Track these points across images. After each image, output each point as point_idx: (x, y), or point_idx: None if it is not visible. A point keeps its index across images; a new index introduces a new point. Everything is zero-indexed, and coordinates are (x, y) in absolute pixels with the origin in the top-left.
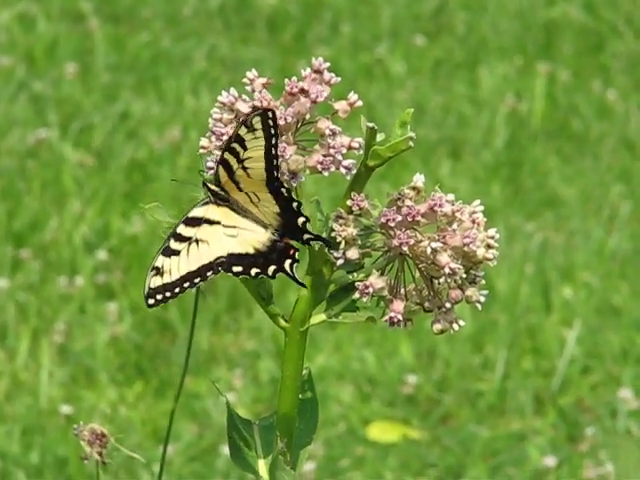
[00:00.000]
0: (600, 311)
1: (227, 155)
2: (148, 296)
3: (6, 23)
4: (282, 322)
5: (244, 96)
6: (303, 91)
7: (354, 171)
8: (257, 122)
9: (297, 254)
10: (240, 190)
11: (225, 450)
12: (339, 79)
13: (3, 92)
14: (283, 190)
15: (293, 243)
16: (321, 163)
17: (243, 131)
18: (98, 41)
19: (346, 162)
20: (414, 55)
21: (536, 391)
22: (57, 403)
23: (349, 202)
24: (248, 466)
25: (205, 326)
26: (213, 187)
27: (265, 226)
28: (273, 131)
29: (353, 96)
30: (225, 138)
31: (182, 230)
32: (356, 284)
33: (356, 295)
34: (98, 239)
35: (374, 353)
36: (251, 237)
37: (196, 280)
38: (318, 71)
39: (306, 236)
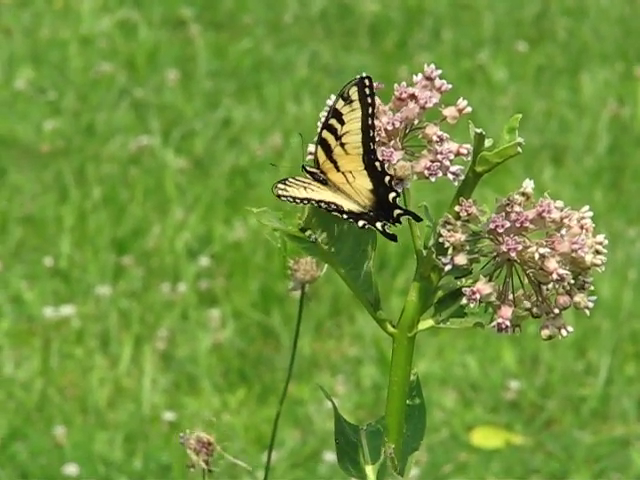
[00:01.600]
0: None
1: (325, 134)
2: (279, 196)
3: (107, 30)
4: (390, 328)
5: None
6: (412, 97)
7: (462, 177)
8: (354, 92)
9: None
10: (338, 170)
11: (328, 456)
12: (450, 86)
13: (105, 99)
14: (377, 164)
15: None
16: (428, 169)
17: (340, 104)
18: (199, 48)
19: (454, 168)
20: (516, 61)
21: (639, 397)
22: (160, 410)
23: (457, 208)
24: (355, 472)
25: (308, 332)
26: (312, 169)
27: (360, 205)
28: (370, 100)
29: (462, 102)
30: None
31: (292, 180)
32: (464, 290)
33: (464, 301)
34: (200, 246)
35: (477, 359)
36: (351, 205)
37: (320, 204)
38: (429, 78)
39: (396, 212)
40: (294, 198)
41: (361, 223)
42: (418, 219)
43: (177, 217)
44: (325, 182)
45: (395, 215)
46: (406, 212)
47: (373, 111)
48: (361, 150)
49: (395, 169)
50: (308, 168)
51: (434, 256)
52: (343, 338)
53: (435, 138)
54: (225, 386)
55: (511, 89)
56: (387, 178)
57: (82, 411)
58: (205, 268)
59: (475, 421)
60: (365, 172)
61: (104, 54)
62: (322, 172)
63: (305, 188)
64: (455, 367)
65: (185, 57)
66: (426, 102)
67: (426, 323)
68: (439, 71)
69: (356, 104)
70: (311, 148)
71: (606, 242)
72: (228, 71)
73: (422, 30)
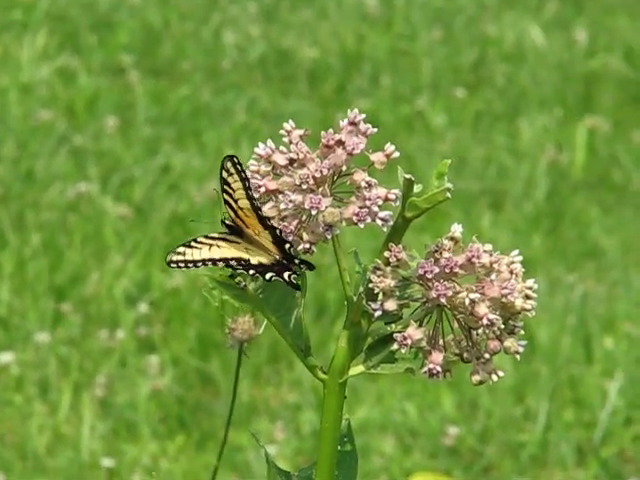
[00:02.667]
0: None
1: (225, 196)
2: (170, 263)
3: (47, 77)
4: (320, 374)
5: (282, 148)
6: (340, 143)
7: (391, 223)
8: (230, 166)
9: (296, 272)
10: (247, 226)
11: None
12: (375, 130)
13: (44, 146)
14: (269, 222)
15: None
16: (357, 215)
17: (225, 175)
18: (138, 94)
19: (382, 214)
20: (454, 107)
21: (578, 442)
22: (99, 456)
23: (386, 253)
24: None
25: (246, 378)
26: (229, 223)
27: (271, 257)
28: (243, 175)
29: (390, 147)
30: (262, 190)
31: (202, 239)
32: (395, 335)
33: (395, 346)
34: (139, 292)
35: (415, 404)
36: (263, 257)
37: (218, 263)
38: (353, 123)
39: (295, 260)
40: (188, 262)
41: (268, 276)
42: (311, 267)
43: (116, 264)
44: (242, 235)
45: (297, 263)
46: (301, 262)
47: (249, 184)
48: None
49: (324, 215)
50: (227, 222)
51: (364, 302)
52: (282, 384)
53: (363, 184)
54: (164, 432)
55: (450, 135)
56: (277, 231)
57: (21, 457)
58: (143, 315)
59: (414, 467)
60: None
61: (44, 101)
62: (237, 226)
63: (210, 247)
64: (394, 413)
65: (124, 104)
66: (353, 148)
67: (357, 369)
68: (363, 115)
69: (235, 176)
70: (252, 168)
71: (536, 287)
72: (167, 118)
73: (361, 76)
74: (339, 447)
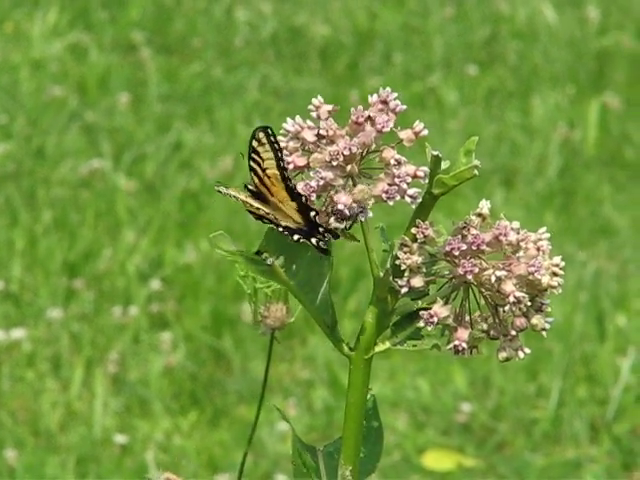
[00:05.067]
0: None
1: (252, 164)
2: (218, 187)
3: (58, 54)
4: (347, 350)
5: (309, 124)
6: (369, 119)
7: (419, 200)
8: (263, 137)
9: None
10: (272, 195)
11: (280, 479)
12: (405, 107)
13: (55, 122)
14: (303, 199)
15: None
16: (386, 192)
17: (255, 144)
18: (150, 71)
19: (411, 191)
20: (467, 84)
21: (591, 419)
22: (111, 433)
23: (414, 230)
24: None
25: (259, 355)
26: (252, 188)
27: (296, 223)
28: (277, 146)
29: (419, 125)
30: (291, 167)
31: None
32: (421, 313)
33: (421, 323)
34: (152, 269)
35: (428, 381)
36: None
37: (252, 208)
38: (384, 101)
39: (320, 229)
40: (234, 197)
41: (296, 237)
42: (336, 236)
43: (128, 240)
44: (266, 201)
45: (321, 232)
46: (326, 230)
47: (282, 155)
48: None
49: (354, 193)
50: (250, 187)
51: (391, 278)
52: (295, 361)
53: (393, 162)
54: (177, 409)
55: (462, 112)
56: (303, 198)
57: (33, 434)
58: (156, 291)
59: (427, 444)
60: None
61: (55, 78)
62: (261, 192)
63: (246, 197)
64: (407, 390)
65: (136, 81)
66: (383, 126)
67: (383, 345)
68: (394, 94)
69: (267, 146)
70: (281, 144)
71: (563, 264)
72: (179, 94)
73: (373, 53)
74: (364, 423)
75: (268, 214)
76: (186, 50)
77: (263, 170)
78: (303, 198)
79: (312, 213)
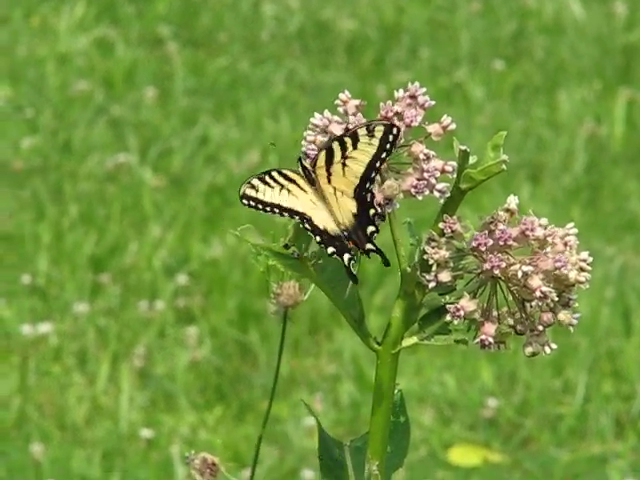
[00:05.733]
0: None
1: (335, 145)
2: (242, 197)
3: (85, 48)
4: (374, 344)
5: (337, 118)
6: (398, 115)
7: (448, 194)
8: (379, 131)
9: (355, 256)
10: (329, 182)
11: (307, 474)
12: (433, 102)
13: (82, 117)
14: (368, 196)
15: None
16: (415, 187)
17: (362, 132)
18: (177, 66)
19: (440, 185)
20: (493, 79)
21: (617, 414)
22: (137, 427)
23: (441, 225)
24: None
25: (286, 350)
26: (306, 164)
27: (337, 222)
28: (389, 146)
29: (446, 119)
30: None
31: (275, 175)
32: (448, 307)
33: (448, 318)
34: (178, 263)
35: (455, 377)
36: (327, 221)
37: (285, 213)
38: (413, 96)
39: (368, 246)
40: (259, 202)
41: (330, 251)
42: (387, 263)
43: (154, 235)
44: (313, 183)
45: (367, 249)
46: (377, 251)
47: (386, 158)
48: (357, 181)
49: (383, 188)
50: (303, 162)
51: (418, 273)
52: (321, 355)
53: (422, 156)
54: (202, 403)
55: (488, 107)
56: (372, 211)
57: (60, 428)
58: (183, 286)
59: (453, 439)
60: (353, 198)
61: (81, 72)
62: (315, 174)
63: (282, 189)
64: (433, 385)
65: (162, 75)
66: (412, 121)
67: (410, 340)
68: (423, 89)
69: (375, 141)
70: (309, 151)
71: (590, 259)
72: (205, 89)
73: (399, 48)
74: (391, 417)
75: (299, 215)
76: (213, 44)
77: (344, 157)
78: (370, 195)
79: (372, 211)
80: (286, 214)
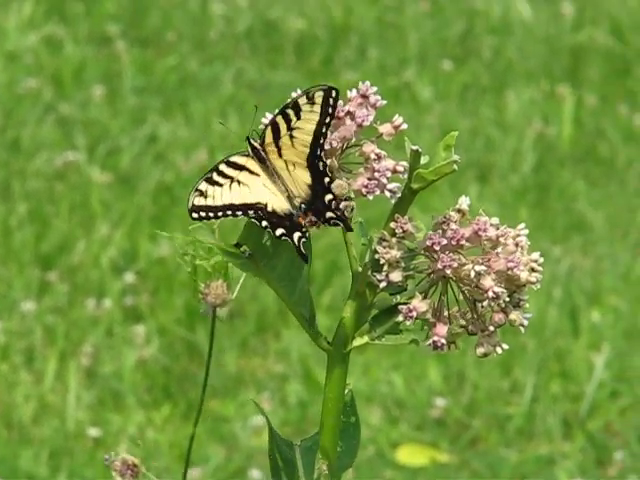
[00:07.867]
0: (628, 335)
1: (279, 119)
2: (192, 211)
3: (33, 46)
4: (325, 344)
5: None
6: (349, 114)
7: (399, 194)
8: (319, 97)
9: (307, 233)
10: (280, 156)
11: (253, 474)
12: (385, 102)
13: (30, 114)
14: (320, 164)
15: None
16: (366, 187)
17: (303, 101)
18: (125, 64)
19: (391, 185)
20: (441, 79)
21: (565, 415)
22: (84, 426)
23: (393, 224)
24: None
25: (233, 349)
26: (255, 143)
27: (291, 196)
28: (331, 110)
29: (398, 119)
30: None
31: (224, 169)
32: (400, 307)
33: (400, 318)
34: (126, 262)
35: (402, 376)
36: (279, 201)
37: (238, 213)
38: (365, 95)
39: (329, 214)
40: (210, 209)
41: (279, 232)
42: (349, 228)
43: (102, 233)
44: (264, 161)
45: (327, 217)
46: (338, 218)
47: (330, 121)
48: (307, 150)
49: (332, 188)
50: (252, 141)
51: (369, 273)
52: (269, 355)
53: (373, 156)
54: (150, 402)
55: (437, 107)
56: (327, 179)
57: (7, 427)
58: (130, 284)
59: (401, 438)
60: (306, 168)
61: (30, 70)
62: (265, 151)
63: (231, 183)
64: (381, 384)
65: (111, 73)
66: (363, 120)
67: (361, 340)
68: (374, 88)
69: (317, 108)
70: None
71: (541, 260)
72: (154, 88)
73: (348, 48)
74: (342, 418)
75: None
76: (161, 43)
77: (290, 128)
78: (322, 164)
79: (326, 179)
80: (240, 213)
